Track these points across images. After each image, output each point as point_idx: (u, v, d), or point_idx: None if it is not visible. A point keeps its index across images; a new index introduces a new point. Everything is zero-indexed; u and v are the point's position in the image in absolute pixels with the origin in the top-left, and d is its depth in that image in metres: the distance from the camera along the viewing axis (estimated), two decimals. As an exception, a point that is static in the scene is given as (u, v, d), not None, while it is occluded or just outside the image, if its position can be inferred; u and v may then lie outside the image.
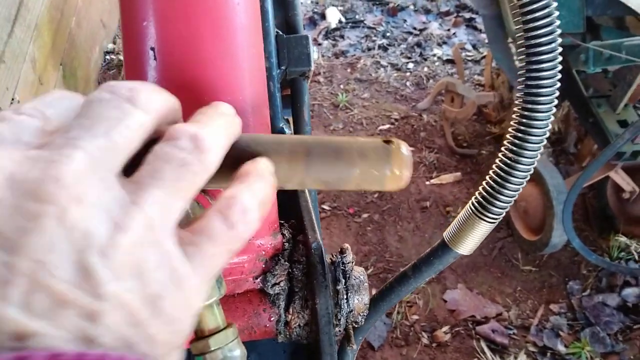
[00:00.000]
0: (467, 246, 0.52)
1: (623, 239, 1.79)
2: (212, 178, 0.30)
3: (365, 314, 0.53)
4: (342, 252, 0.53)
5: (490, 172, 0.48)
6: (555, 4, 0.41)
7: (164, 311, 0.24)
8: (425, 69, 2.53)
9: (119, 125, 0.25)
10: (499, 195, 0.47)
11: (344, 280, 0.51)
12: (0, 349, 0.20)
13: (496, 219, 0.49)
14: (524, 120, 0.44)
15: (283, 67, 0.69)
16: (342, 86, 2.43)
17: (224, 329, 0.40)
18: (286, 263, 0.51)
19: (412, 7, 2.88)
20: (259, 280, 0.51)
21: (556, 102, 0.44)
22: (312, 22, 2.78)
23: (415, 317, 1.70)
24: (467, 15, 2.83)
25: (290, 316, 0.50)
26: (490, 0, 1.68)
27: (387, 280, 0.58)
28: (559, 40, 0.42)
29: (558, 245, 1.69)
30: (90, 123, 0.25)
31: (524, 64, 0.43)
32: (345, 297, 0.51)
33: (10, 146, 0.24)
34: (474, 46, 2.67)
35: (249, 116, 0.46)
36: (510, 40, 1.77)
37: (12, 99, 1.48)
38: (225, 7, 0.42)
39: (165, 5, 0.41)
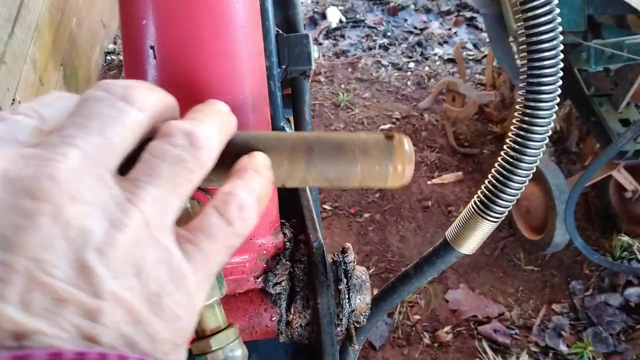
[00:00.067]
0: (470, 245, 0.52)
1: (625, 238, 1.78)
2: (212, 176, 0.30)
3: (367, 313, 0.53)
4: (343, 251, 0.53)
5: (493, 171, 0.48)
6: (556, 2, 0.41)
7: (165, 309, 0.24)
8: (427, 68, 2.53)
9: (114, 123, 0.25)
10: (501, 194, 0.47)
11: (345, 280, 0.51)
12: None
13: (498, 218, 0.49)
14: (526, 119, 0.44)
15: (283, 66, 0.69)
16: (343, 86, 2.43)
17: (225, 328, 0.40)
18: (287, 262, 0.51)
19: (412, 6, 2.88)
20: (260, 279, 0.51)
21: (558, 100, 0.44)
22: (313, 22, 2.78)
23: (417, 317, 1.69)
24: (468, 14, 2.83)
25: (291, 316, 0.50)
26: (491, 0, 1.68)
27: (389, 280, 0.58)
28: (561, 38, 0.42)
29: (560, 245, 1.68)
30: (85, 121, 0.25)
31: (525, 62, 0.43)
32: (347, 296, 0.51)
33: (6, 145, 0.24)
34: (475, 45, 2.67)
35: (249, 114, 0.45)
36: (511, 39, 1.76)
37: (13, 100, 1.48)
38: (225, 5, 0.42)
39: (165, 4, 0.41)
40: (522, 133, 0.45)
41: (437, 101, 2.30)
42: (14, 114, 0.26)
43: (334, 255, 0.53)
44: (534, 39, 0.42)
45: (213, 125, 0.29)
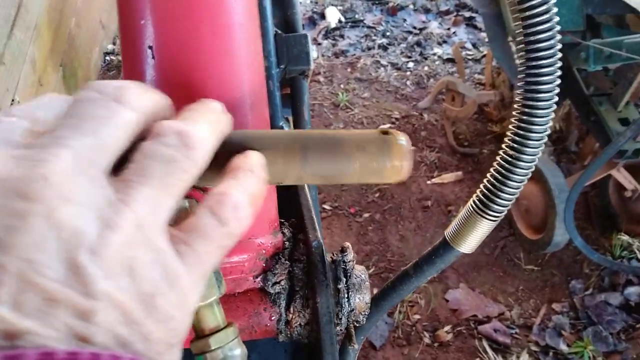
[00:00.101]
0: (469, 245, 0.52)
1: (625, 237, 1.78)
2: (207, 175, 0.30)
3: (366, 313, 0.53)
4: (342, 250, 0.53)
5: (491, 170, 0.48)
6: (553, 1, 0.41)
7: (158, 310, 0.24)
8: (426, 68, 2.53)
9: (106, 124, 0.25)
10: (500, 193, 0.47)
11: (345, 279, 0.51)
12: None
13: (497, 217, 0.49)
14: (525, 118, 0.44)
15: (282, 66, 0.69)
16: (342, 86, 2.43)
17: (224, 328, 0.40)
18: (287, 262, 0.51)
19: (411, 6, 2.88)
20: (259, 279, 0.51)
21: (556, 99, 0.44)
22: (312, 22, 2.78)
23: (417, 316, 1.69)
24: (467, 14, 2.83)
25: (291, 315, 0.50)
26: (490, -1, 1.68)
27: (389, 280, 0.58)
28: (558, 37, 0.42)
29: (560, 244, 1.68)
30: (77, 122, 0.25)
31: (524, 61, 0.43)
32: (346, 295, 0.51)
33: None
34: (474, 45, 2.67)
35: (247, 114, 0.46)
36: (510, 38, 1.76)
37: (13, 100, 1.48)
38: (223, 5, 0.42)
39: (163, 4, 0.41)
40: (520, 132, 0.45)
41: (437, 101, 2.30)
42: (6, 116, 0.26)
43: (333, 255, 0.53)
44: (532, 38, 0.42)
45: (206, 124, 0.29)
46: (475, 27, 2.76)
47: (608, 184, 1.84)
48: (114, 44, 2.45)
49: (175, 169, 0.26)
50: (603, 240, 1.85)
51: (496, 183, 0.47)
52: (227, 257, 0.49)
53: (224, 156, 0.31)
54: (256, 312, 0.50)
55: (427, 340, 1.64)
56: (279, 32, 0.70)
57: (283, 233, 0.53)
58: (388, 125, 2.24)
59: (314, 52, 2.55)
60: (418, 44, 2.66)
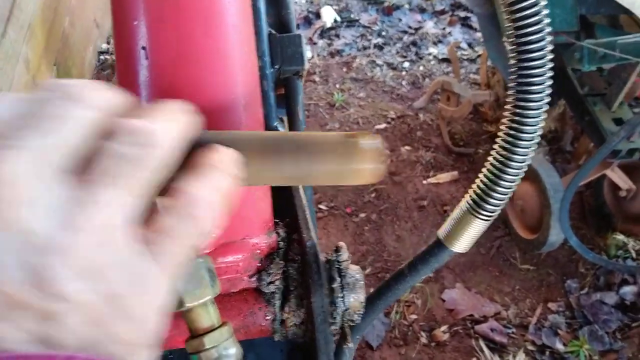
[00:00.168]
0: (462, 244, 0.52)
1: (620, 237, 1.79)
2: (178, 176, 0.29)
3: (361, 312, 0.53)
4: (337, 250, 0.53)
5: (484, 169, 0.48)
6: (543, 2, 0.41)
7: (127, 310, 0.24)
8: (421, 67, 2.53)
9: (64, 123, 0.25)
10: (492, 193, 0.47)
11: (339, 279, 0.51)
12: None
13: (490, 216, 0.49)
14: (516, 119, 0.45)
15: (276, 66, 0.69)
16: (338, 85, 2.43)
17: (219, 327, 0.40)
18: (281, 262, 0.51)
19: (407, 6, 2.88)
20: (254, 279, 0.51)
21: (547, 100, 0.45)
22: (307, 22, 2.78)
23: (414, 316, 1.70)
24: (462, 14, 2.84)
25: (285, 315, 0.50)
26: (485, -1, 1.69)
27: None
28: (549, 38, 0.42)
29: (555, 244, 1.69)
30: (34, 122, 0.24)
31: (515, 62, 0.43)
32: (340, 295, 0.51)
33: None
34: (469, 45, 2.67)
35: (241, 114, 0.46)
36: (505, 38, 1.77)
37: (7, 101, 1.47)
38: (216, 6, 0.42)
39: (156, 5, 0.41)
40: (512, 132, 0.45)
41: (432, 101, 2.31)
42: None
43: (328, 254, 0.53)
44: (523, 39, 0.42)
45: (171, 122, 0.29)
46: (470, 27, 2.77)
47: (603, 183, 1.84)
48: (108, 43, 2.45)
49: (139, 167, 0.26)
50: (598, 239, 1.85)
51: (489, 183, 0.47)
52: (222, 257, 0.49)
53: (192, 157, 0.30)
54: (251, 311, 0.50)
55: (424, 340, 1.64)
56: (273, 32, 0.71)
57: (278, 233, 0.54)
58: (384, 126, 2.25)
59: (308, 52, 2.55)
60: (414, 43, 2.66)
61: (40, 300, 0.22)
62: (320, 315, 0.49)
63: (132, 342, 0.24)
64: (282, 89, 0.77)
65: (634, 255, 1.77)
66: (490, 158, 0.47)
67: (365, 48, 2.65)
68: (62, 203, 0.23)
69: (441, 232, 0.53)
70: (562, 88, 1.67)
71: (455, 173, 2.07)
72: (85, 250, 0.23)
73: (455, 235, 0.51)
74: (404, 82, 2.46)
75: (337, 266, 0.52)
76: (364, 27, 2.77)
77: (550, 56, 0.43)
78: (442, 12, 2.86)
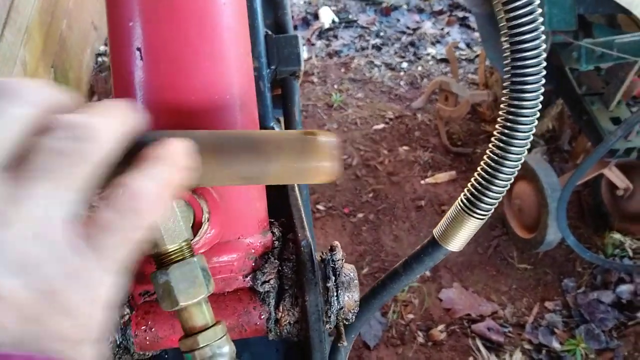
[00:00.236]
0: (457, 243, 0.53)
1: (617, 236, 1.79)
2: (123, 172, 0.29)
3: (355, 311, 0.53)
4: (332, 249, 0.53)
5: (479, 169, 0.48)
6: (537, 2, 0.42)
7: (65, 306, 0.24)
8: (419, 68, 2.54)
9: None
10: (487, 192, 0.48)
11: (333, 278, 0.51)
12: None
13: (485, 215, 0.50)
14: (510, 117, 0.45)
15: (273, 67, 0.69)
16: (336, 86, 2.43)
17: (213, 326, 0.40)
18: (276, 261, 0.52)
19: (405, 6, 2.89)
20: (248, 278, 0.51)
21: (541, 99, 0.45)
22: (305, 23, 2.79)
23: (411, 316, 1.70)
24: (461, 14, 2.84)
25: (280, 314, 0.51)
26: (482, -1, 1.69)
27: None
28: (543, 37, 0.43)
29: (553, 243, 1.69)
30: None
31: (509, 61, 0.44)
32: (335, 294, 0.51)
33: None
34: (467, 45, 2.68)
35: (236, 114, 0.46)
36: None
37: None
38: (211, 7, 0.42)
39: (151, 6, 0.41)
40: (506, 131, 0.45)
41: (430, 101, 2.31)
42: None
43: (323, 253, 0.53)
44: (517, 38, 0.42)
45: (109, 118, 0.28)
46: (468, 27, 2.77)
47: (600, 183, 1.85)
48: (105, 45, 2.45)
49: (73, 162, 0.25)
50: (595, 238, 1.86)
51: (483, 182, 0.48)
52: (217, 257, 0.49)
53: (138, 154, 0.30)
54: (246, 310, 0.50)
55: (420, 339, 1.65)
56: (270, 33, 0.71)
57: (272, 232, 0.54)
58: (382, 126, 2.25)
59: (305, 53, 2.55)
60: (412, 44, 2.66)
61: None
62: (315, 313, 0.49)
63: (73, 338, 0.24)
64: (278, 89, 0.77)
65: (630, 254, 1.77)
66: (484, 157, 0.47)
67: (363, 49, 2.65)
68: None
69: (437, 230, 0.53)
70: (560, 87, 1.68)
71: (453, 173, 2.07)
72: (18, 245, 0.23)
73: (450, 234, 0.52)
74: (402, 83, 2.46)
75: (332, 265, 0.52)
76: (362, 27, 2.77)
77: (544, 55, 0.43)
78: (440, 12, 2.86)
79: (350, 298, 0.52)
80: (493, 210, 0.50)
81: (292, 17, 2.76)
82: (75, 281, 0.24)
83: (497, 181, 0.47)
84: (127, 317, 0.48)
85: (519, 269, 1.82)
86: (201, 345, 0.39)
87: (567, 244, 1.60)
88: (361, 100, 2.37)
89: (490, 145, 0.47)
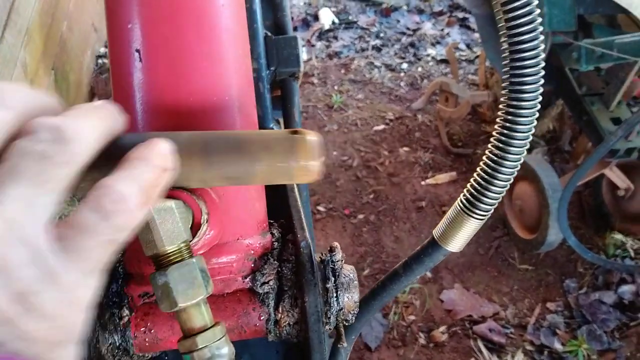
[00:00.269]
0: (457, 243, 0.52)
1: (619, 236, 1.79)
2: (100, 176, 0.28)
3: (355, 312, 0.53)
4: (331, 250, 0.53)
5: (478, 169, 0.48)
6: (536, 2, 0.42)
7: (37, 308, 0.24)
8: (419, 69, 2.54)
9: None
10: (486, 192, 0.48)
11: (333, 279, 0.51)
12: None
13: (484, 215, 0.50)
14: (509, 118, 0.45)
15: (272, 68, 0.69)
16: (336, 87, 2.43)
17: (212, 327, 0.40)
18: (275, 262, 0.52)
19: (405, 7, 2.89)
20: (248, 279, 0.51)
21: (540, 99, 0.45)
22: (306, 24, 2.79)
23: (412, 317, 1.70)
24: (461, 15, 2.84)
25: (279, 315, 0.50)
26: (482, 0, 1.69)
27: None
28: (541, 37, 0.43)
29: (554, 244, 1.69)
30: None
31: (508, 62, 0.44)
32: (334, 295, 0.51)
33: None
34: (467, 46, 2.68)
35: (235, 116, 0.46)
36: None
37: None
38: (210, 9, 0.42)
39: (150, 8, 0.41)
40: (505, 132, 0.45)
41: (431, 102, 2.31)
42: None
43: (322, 254, 0.53)
44: (515, 39, 0.42)
45: (87, 120, 0.28)
46: (468, 27, 2.77)
47: (601, 183, 1.85)
48: (106, 47, 2.45)
49: (49, 164, 0.25)
50: (597, 239, 1.86)
51: (482, 182, 0.48)
52: (216, 258, 0.49)
53: (119, 157, 0.30)
54: (245, 312, 0.50)
55: (422, 341, 1.64)
56: (269, 34, 0.71)
57: (272, 234, 0.54)
58: (382, 127, 2.25)
59: (305, 54, 2.56)
60: (412, 45, 2.66)
61: None
62: (314, 315, 0.49)
63: (48, 339, 0.24)
64: (278, 90, 0.77)
65: (632, 254, 1.77)
66: (484, 158, 0.47)
67: (363, 50, 2.65)
68: None
69: (436, 231, 0.53)
70: (560, 88, 1.68)
71: (454, 174, 2.07)
72: None
73: (450, 235, 0.52)
74: (402, 84, 2.46)
75: (331, 266, 0.52)
76: (362, 28, 2.78)
77: (543, 56, 0.43)
78: (440, 13, 2.86)
79: (349, 299, 0.52)
80: (492, 210, 0.50)
81: (292, 18, 2.76)
82: (52, 283, 0.24)
83: (496, 181, 0.47)
84: (126, 319, 0.48)
85: (521, 269, 1.82)
86: (200, 347, 0.39)
87: (568, 244, 1.60)
88: (361, 101, 2.37)
89: (489, 145, 0.47)
